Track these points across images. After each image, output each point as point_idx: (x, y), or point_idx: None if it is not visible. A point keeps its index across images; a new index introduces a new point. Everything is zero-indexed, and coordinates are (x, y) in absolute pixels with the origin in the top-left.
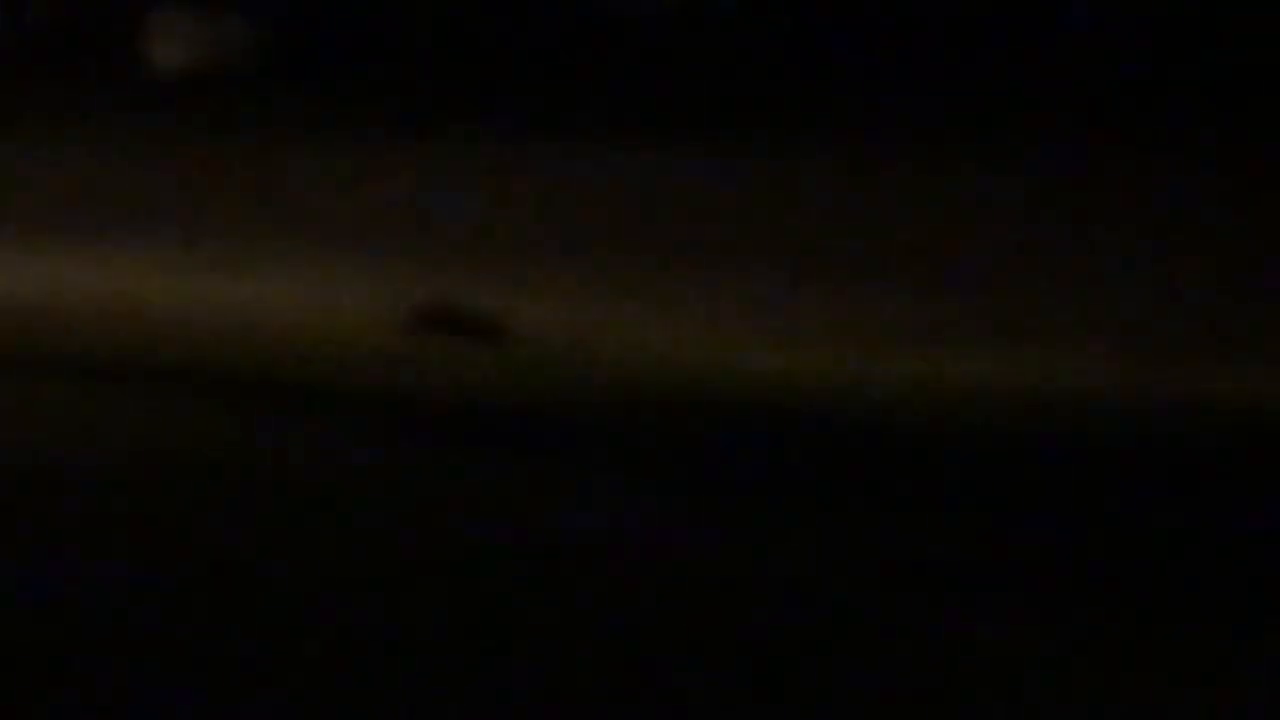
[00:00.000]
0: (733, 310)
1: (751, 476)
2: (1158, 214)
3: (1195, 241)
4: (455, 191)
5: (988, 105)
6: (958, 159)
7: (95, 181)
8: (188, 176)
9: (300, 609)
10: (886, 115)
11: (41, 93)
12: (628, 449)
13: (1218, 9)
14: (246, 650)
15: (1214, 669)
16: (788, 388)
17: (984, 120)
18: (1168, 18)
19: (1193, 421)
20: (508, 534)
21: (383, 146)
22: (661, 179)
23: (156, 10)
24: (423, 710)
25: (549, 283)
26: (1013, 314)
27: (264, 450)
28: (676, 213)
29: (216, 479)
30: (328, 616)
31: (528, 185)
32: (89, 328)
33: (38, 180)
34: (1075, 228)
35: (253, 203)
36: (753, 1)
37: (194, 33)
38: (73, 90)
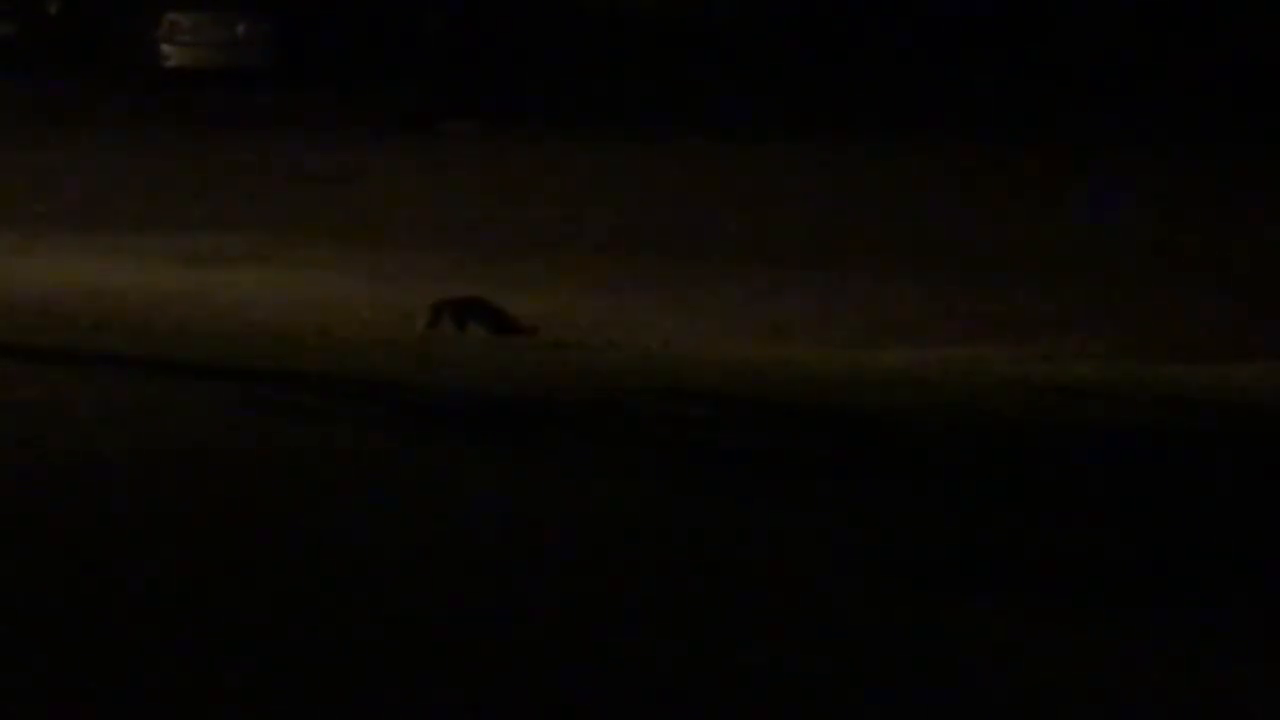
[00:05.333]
0: (731, 304)
1: (753, 466)
2: (1157, 211)
3: (1195, 237)
4: (458, 189)
5: (987, 104)
6: (956, 157)
7: (104, 177)
8: (195, 172)
9: (310, 593)
10: (885, 114)
11: (54, 90)
12: (629, 437)
13: (1216, 10)
14: (250, 635)
15: (1216, 664)
16: (786, 379)
17: (984, 119)
18: (1169, 18)
19: (1191, 414)
20: (510, 519)
21: (385, 145)
22: (659, 176)
23: (167, 10)
24: (425, 689)
25: (550, 277)
26: (1009, 310)
27: (276, 439)
28: (675, 209)
29: (229, 468)
30: (331, 601)
31: (528, 182)
32: (101, 320)
33: (50, 175)
34: (1075, 227)
35: (260, 199)
36: (752, 3)
37: (203, 32)
38: (85, 88)
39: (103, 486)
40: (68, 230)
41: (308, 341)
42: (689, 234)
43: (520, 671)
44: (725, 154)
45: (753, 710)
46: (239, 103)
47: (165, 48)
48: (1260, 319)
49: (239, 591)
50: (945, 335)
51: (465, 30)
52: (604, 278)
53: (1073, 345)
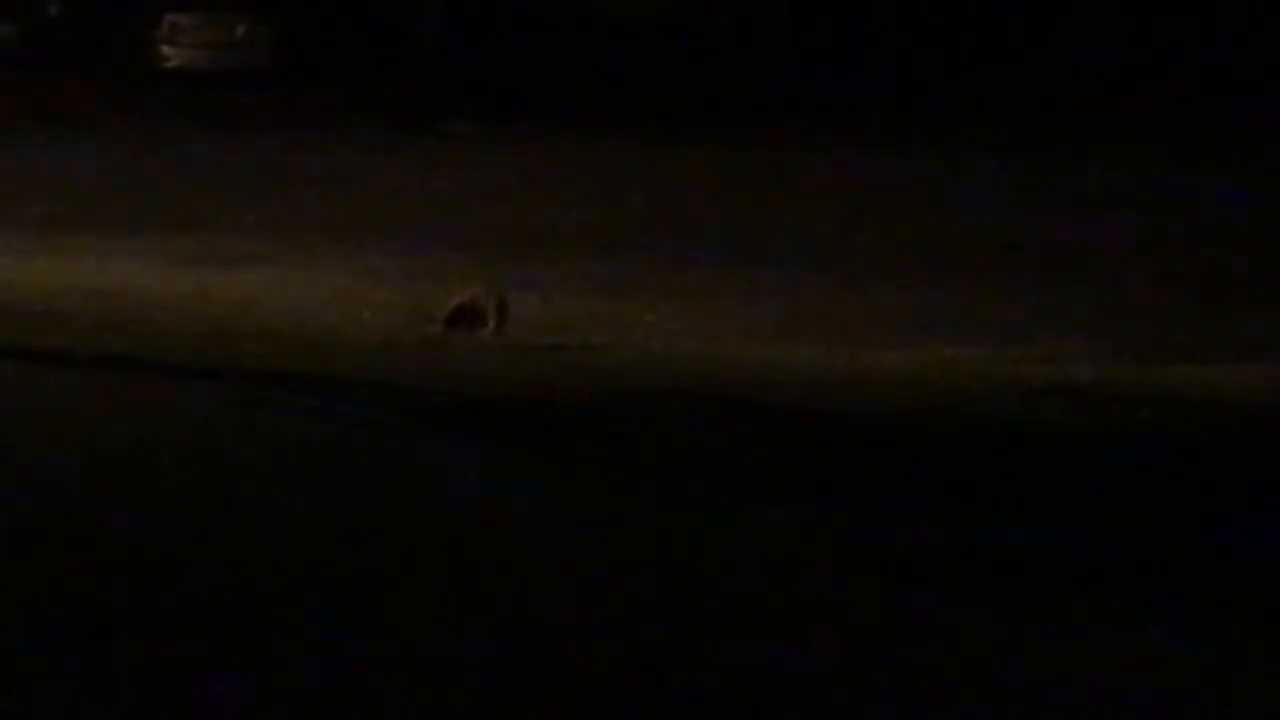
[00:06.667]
0: (731, 304)
1: (752, 467)
2: (1159, 213)
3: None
4: (457, 189)
5: (986, 104)
6: (957, 158)
7: (104, 177)
8: (195, 172)
9: (310, 592)
10: (885, 114)
11: (54, 89)
12: (629, 437)
13: (1217, 11)
14: (250, 634)
15: (1213, 664)
16: (786, 379)
17: (983, 119)
18: (1170, 19)
19: (1191, 414)
20: (510, 519)
21: (383, 145)
22: (659, 176)
23: (167, 12)
24: (425, 689)
25: (550, 277)
26: (1009, 310)
27: (277, 439)
28: (675, 209)
29: (228, 468)
30: (331, 600)
31: (528, 182)
32: (101, 320)
33: (50, 175)
34: (1076, 227)
35: (260, 199)
36: (752, 4)
37: (203, 33)
38: (85, 88)
39: (103, 486)
40: (68, 230)
41: (308, 341)
42: (689, 234)
43: (520, 670)
44: (725, 154)
45: (753, 710)
46: (239, 103)
47: (165, 49)
48: (1261, 319)
49: (239, 590)
50: (945, 336)
51: (465, 30)
52: (604, 278)
53: (1073, 345)
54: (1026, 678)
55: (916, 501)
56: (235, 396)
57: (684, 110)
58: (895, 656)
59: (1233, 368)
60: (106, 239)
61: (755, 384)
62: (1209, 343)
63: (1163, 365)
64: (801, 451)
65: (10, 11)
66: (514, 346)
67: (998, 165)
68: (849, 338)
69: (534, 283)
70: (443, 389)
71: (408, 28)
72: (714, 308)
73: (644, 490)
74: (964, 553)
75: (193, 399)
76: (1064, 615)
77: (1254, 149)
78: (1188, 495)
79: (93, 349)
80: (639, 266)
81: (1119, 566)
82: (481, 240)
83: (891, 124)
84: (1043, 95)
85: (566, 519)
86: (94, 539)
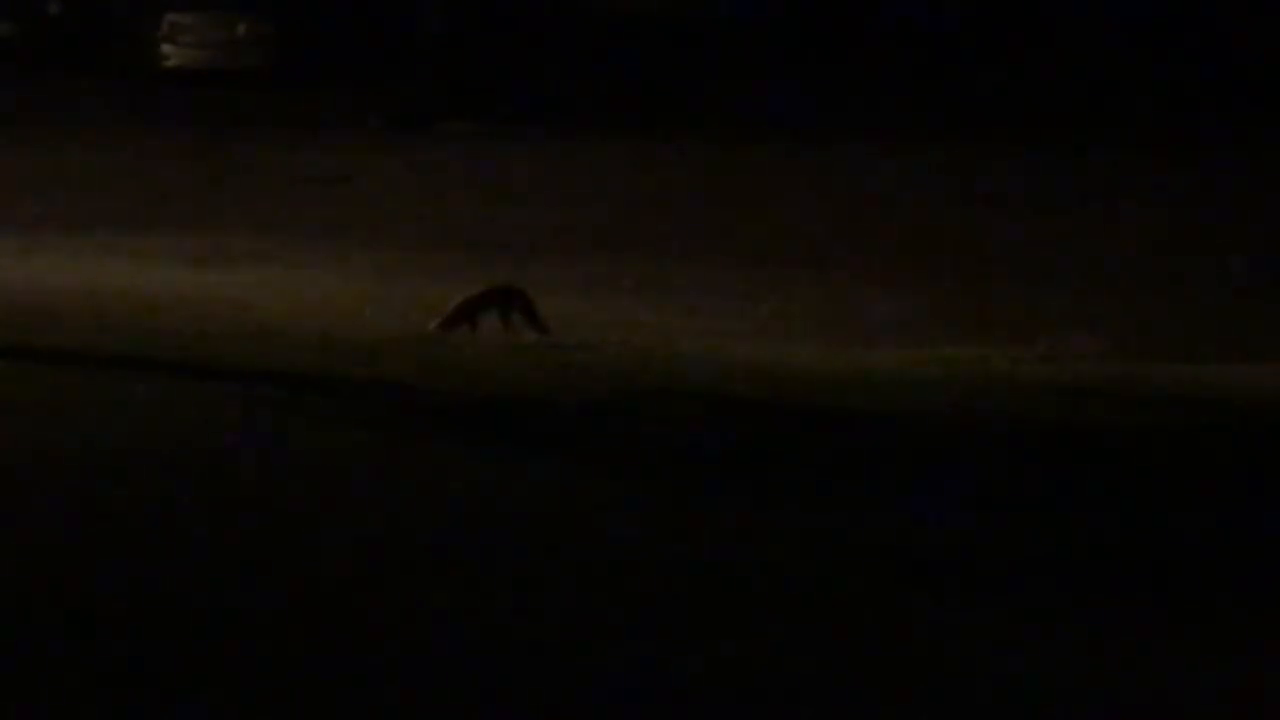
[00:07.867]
0: (732, 304)
1: (752, 466)
2: (1159, 215)
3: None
4: (457, 189)
5: (988, 105)
6: (957, 158)
7: (103, 177)
8: (195, 172)
9: (310, 592)
10: (885, 114)
11: (54, 89)
12: (628, 437)
13: (1217, 11)
14: (250, 634)
15: (1214, 665)
16: (786, 379)
17: (984, 120)
18: (1168, 20)
19: (1191, 414)
20: (509, 519)
21: (384, 145)
22: (659, 176)
23: (167, 11)
24: (425, 687)
25: (550, 277)
26: (1009, 310)
27: (277, 439)
28: (675, 209)
29: (229, 468)
30: (331, 599)
31: (528, 182)
32: (101, 320)
33: (49, 176)
34: (1076, 227)
35: (260, 199)
36: (750, 4)
37: (203, 32)
38: (85, 88)
39: (103, 486)
40: (67, 230)
41: (308, 341)
42: (689, 234)
43: (519, 669)
44: (725, 154)
45: (753, 710)
46: (239, 103)
47: (165, 48)
48: (1261, 319)
49: (239, 590)
50: (945, 335)
51: (465, 30)
52: (604, 278)
53: (1073, 345)
54: (1026, 678)
55: (917, 501)
56: (236, 396)
57: (682, 110)
58: (895, 656)
59: (1233, 368)
60: (106, 239)
61: (756, 384)
62: (1209, 343)
63: (1163, 365)
64: (802, 451)
65: (10, 10)
66: (514, 346)
67: (999, 164)
68: (848, 337)
69: (534, 283)
70: (443, 389)
71: (408, 28)
72: (714, 308)
73: (644, 490)
74: (964, 553)
75: (193, 398)
76: (1064, 615)
77: (1254, 149)
78: (1188, 495)
79: (92, 348)
80: (639, 266)
81: (1119, 566)
82: (481, 240)
83: (892, 123)
84: (1044, 92)
85: (566, 519)
86: (94, 539)
